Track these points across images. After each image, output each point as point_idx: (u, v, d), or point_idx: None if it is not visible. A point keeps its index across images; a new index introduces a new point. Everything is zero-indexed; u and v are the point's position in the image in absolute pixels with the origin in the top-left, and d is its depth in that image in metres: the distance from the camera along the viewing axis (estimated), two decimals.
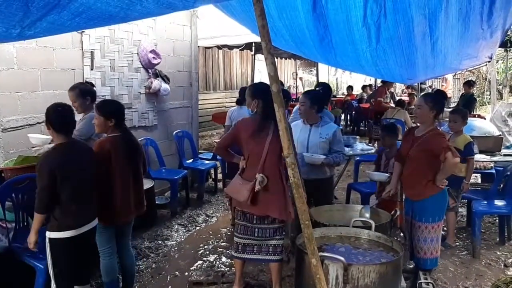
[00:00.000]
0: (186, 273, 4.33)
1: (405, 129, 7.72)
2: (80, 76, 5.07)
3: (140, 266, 4.43)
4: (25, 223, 3.80)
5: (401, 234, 4.76)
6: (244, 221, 3.59)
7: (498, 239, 5.12)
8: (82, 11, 2.31)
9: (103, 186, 3.33)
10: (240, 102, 6.00)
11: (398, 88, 18.96)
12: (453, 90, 18.18)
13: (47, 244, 3.06)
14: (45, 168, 2.93)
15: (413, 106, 11.12)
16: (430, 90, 15.24)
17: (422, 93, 3.99)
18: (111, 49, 5.50)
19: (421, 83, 14.40)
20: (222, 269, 4.42)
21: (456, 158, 3.56)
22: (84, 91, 4.01)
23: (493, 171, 5.63)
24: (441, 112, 3.82)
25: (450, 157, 3.51)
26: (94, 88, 4.41)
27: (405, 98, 12.23)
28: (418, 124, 3.97)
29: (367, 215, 3.65)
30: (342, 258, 2.60)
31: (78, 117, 4.17)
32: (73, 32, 4.68)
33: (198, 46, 7.71)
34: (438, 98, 3.95)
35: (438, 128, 3.90)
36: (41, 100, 4.56)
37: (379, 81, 13.21)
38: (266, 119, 3.45)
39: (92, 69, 5.24)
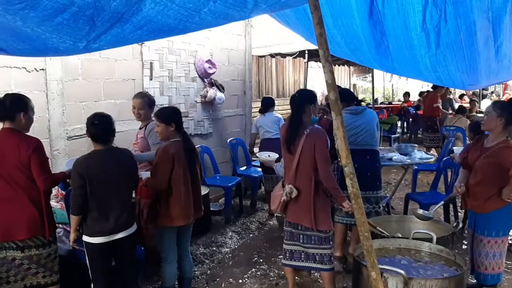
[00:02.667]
0: (240, 281, 4.35)
1: (466, 137, 7.38)
2: (140, 86, 5.27)
3: (195, 272, 4.50)
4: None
5: (463, 247, 4.55)
6: (290, 227, 3.57)
7: None
8: (144, 24, 2.40)
9: (166, 190, 3.44)
10: (262, 111, 6.27)
11: (457, 94, 18.24)
12: None
13: (84, 246, 3.19)
14: (75, 171, 3.08)
15: (474, 113, 10.66)
16: (491, 95, 14.56)
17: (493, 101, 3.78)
18: (169, 60, 5.68)
19: (483, 89, 13.78)
20: (274, 279, 4.39)
21: None
22: (151, 102, 4.16)
23: None
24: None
25: None
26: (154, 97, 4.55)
27: (466, 104, 11.72)
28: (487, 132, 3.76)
29: (420, 212, 3.54)
30: (402, 271, 2.52)
31: (137, 125, 4.34)
32: (134, 44, 4.87)
33: (252, 55, 7.79)
34: (509, 106, 3.70)
35: (509, 139, 3.64)
36: (103, 109, 4.74)
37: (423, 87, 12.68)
38: (296, 127, 3.43)
39: (151, 79, 5.42)
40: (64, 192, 4.01)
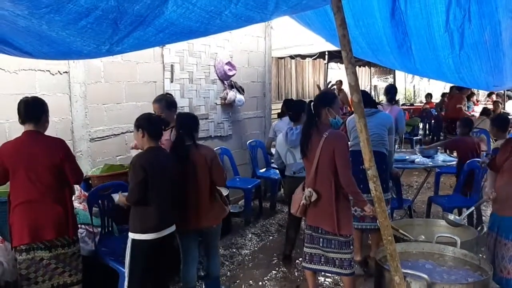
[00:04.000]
0: (260, 283, 4.34)
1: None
2: (161, 89, 5.31)
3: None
4: (110, 229, 4.02)
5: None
6: (310, 230, 3.54)
7: None
8: (166, 27, 2.41)
9: (188, 191, 3.45)
10: (280, 115, 6.35)
11: (481, 95, 17.90)
12: None
13: (129, 244, 3.21)
14: (138, 165, 3.13)
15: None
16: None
17: None
18: (190, 62, 5.71)
19: (507, 90, 13.50)
20: (295, 281, 4.38)
21: None
22: (170, 103, 4.18)
23: None
24: None
25: None
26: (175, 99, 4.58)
27: (490, 106, 11.50)
28: None
29: (451, 218, 3.48)
30: (425, 276, 2.47)
31: None
32: (155, 47, 4.92)
33: (272, 57, 7.79)
34: None
35: None
36: (125, 112, 4.83)
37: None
38: (308, 132, 3.42)
39: (172, 82, 5.46)
40: (86, 193, 4.07)
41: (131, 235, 3.20)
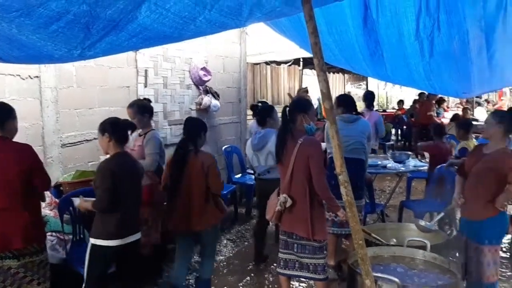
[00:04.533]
0: None
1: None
2: (134, 94, 5.26)
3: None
4: (81, 236, 3.94)
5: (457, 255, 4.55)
6: (285, 236, 3.56)
7: None
8: (139, 32, 2.40)
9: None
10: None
11: (452, 102, 18.35)
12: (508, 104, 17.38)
13: (89, 249, 3.16)
14: (107, 171, 3.08)
15: None
16: (486, 105, 14.67)
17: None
18: (164, 67, 5.68)
19: (476, 97, 13.89)
20: (271, 286, 4.38)
21: None
22: (142, 108, 4.16)
23: None
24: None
25: None
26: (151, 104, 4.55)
27: (460, 112, 11.81)
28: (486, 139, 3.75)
29: (422, 223, 3.58)
30: (396, 280, 2.52)
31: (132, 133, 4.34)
32: (129, 51, 4.87)
33: (247, 63, 7.81)
34: (508, 114, 3.69)
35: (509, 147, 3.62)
36: (98, 117, 4.74)
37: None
38: (283, 137, 3.44)
39: (145, 87, 5.42)
40: (57, 200, 3.99)
41: (92, 240, 3.14)
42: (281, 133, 3.51)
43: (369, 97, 6.98)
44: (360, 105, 6.61)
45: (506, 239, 5.07)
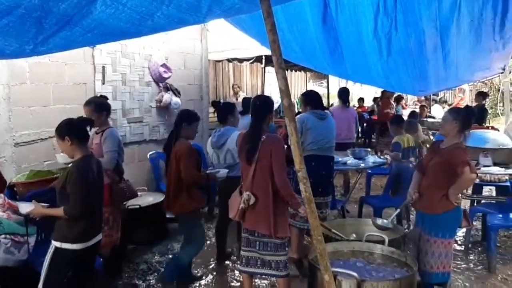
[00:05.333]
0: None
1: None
2: (92, 91, 5.13)
3: (151, 281, 4.40)
4: (43, 236, 3.80)
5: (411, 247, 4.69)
6: (247, 233, 3.56)
7: None
8: (94, 27, 2.33)
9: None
10: (242, 112, 6.14)
11: (410, 100, 18.86)
12: (467, 102, 18.05)
13: (50, 252, 3.02)
14: (81, 176, 2.94)
15: (424, 118, 11.06)
16: (443, 104, 15.13)
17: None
18: (123, 64, 5.56)
19: (433, 95, 14.33)
20: (233, 283, 4.37)
21: (473, 174, 3.47)
22: (99, 106, 4.05)
23: (508, 184, 5.54)
24: (468, 127, 3.68)
25: (467, 171, 3.40)
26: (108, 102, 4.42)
27: (417, 109, 12.16)
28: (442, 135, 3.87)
29: (379, 222, 3.63)
30: (355, 274, 2.56)
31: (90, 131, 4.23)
32: (85, 47, 4.74)
33: (209, 60, 7.76)
34: (464, 111, 3.81)
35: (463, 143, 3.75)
36: (53, 115, 4.61)
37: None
38: (257, 136, 3.43)
39: (103, 84, 5.29)
40: (11, 201, 3.83)
41: (55, 243, 3.01)
42: (255, 132, 3.48)
43: (344, 94, 7.24)
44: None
45: (461, 232, 5.27)
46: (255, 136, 3.44)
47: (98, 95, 4.91)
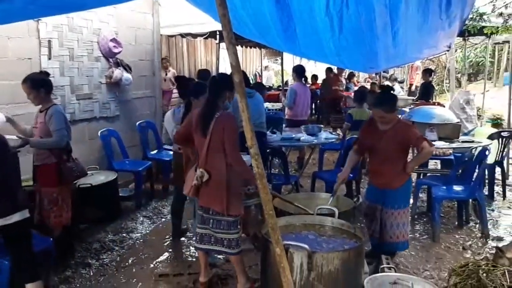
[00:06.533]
0: (152, 265, 4.29)
1: None
2: (37, 66, 4.90)
3: (104, 260, 4.36)
4: None
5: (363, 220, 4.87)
6: (201, 211, 3.58)
7: (456, 223, 5.31)
8: None
9: None
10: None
11: (362, 77, 19.26)
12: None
13: None
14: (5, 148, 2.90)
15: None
16: (393, 81, 15.54)
17: (374, 101, 4.11)
18: (70, 38, 5.33)
19: (383, 72, 14.70)
20: (189, 259, 4.40)
21: (432, 147, 3.66)
22: (36, 82, 3.86)
23: (452, 157, 5.82)
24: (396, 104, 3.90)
25: (427, 146, 3.60)
26: (51, 78, 4.22)
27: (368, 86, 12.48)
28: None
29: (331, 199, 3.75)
30: (306, 246, 2.63)
31: (34, 109, 4.07)
32: (28, 20, 4.50)
33: (161, 35, 7.57)
34: (391, 99, 3.96)
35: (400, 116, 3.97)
36: None
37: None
38: (211, 111, 3.42)
39: (50, 59, 5.06)
40: None
41: None
42: (209, 107, 3.45)
43: (301, 70, 7.39)
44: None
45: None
46: (209, 111, 3.43)
47: (45, 70, 4.71)
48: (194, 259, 4.37)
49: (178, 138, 3.78)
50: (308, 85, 8.47)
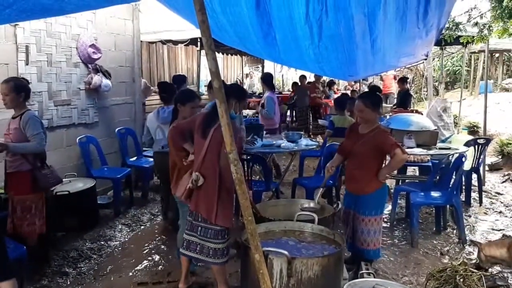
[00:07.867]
0: (131, 274, 4.23)
1: None
2: (14, 72, 4.82)
3: (82, 268, 4.29)
4: None
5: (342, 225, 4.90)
6: (191, 217, 3.56)
7: (434, 228, 5.38)
8: (13, 2, 2.19)
9: None
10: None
11: (342, 85, 19.44)
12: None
13: None
14: None
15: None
16: (369, 86, 15.74)
17: (359, 95, 4.24)
18: (48, 43, 5.26)
19: (363, 80, 14.89)
20: (166, 269, 4.35)
21: (404, 154, 3.70)
22: (19, 86, 3.82)
23: (430, 164, 5.91)
24: (380, 107, 3.96)
25: (399, 153, 3.64)
26: (30, 85, 4.17)
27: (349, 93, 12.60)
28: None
29: (306, 205, 3.79)
30: (285, 252, 2.64)
31: (6, 114, 4.00)
32: (5, 24, 4.43)
33: (142, 41, 7.53)
34: (375, 96, 4.08)
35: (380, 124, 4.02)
36: None
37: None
38: (214, 114, 3.41)
39: (27, 64, 4.98)
40: None
41: None
42: (215, 111, 3.42)
43: (269, 79, 7.47)
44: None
45: (387, 210, 5.56)
46: (213, 114, 3.37)
47: (20, 77, 4.63)
48: (173, 267, 4.32)
49: (175, 132, 3.75)
50: (288, 93, 8.55)
